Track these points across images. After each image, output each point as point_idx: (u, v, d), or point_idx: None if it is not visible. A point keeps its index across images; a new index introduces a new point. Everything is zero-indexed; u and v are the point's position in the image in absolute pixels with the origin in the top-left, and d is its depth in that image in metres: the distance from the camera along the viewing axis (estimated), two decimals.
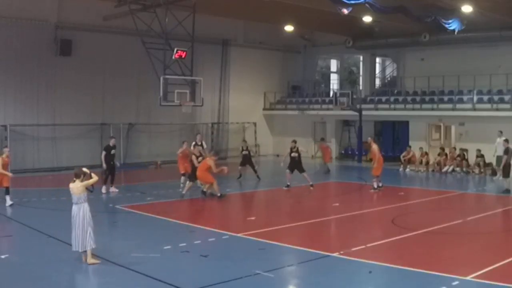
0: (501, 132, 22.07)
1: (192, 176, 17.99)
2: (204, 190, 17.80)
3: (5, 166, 15.88)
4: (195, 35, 23.47)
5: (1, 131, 23.59)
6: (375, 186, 19.04)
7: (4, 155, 15.99)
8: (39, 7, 24.20)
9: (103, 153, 18.38)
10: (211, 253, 10.83)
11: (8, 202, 15.85)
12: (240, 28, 32.12)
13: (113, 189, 18.31)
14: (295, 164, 19.91)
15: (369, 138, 20.47)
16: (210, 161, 17.48)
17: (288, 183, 19.85)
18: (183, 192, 17.77)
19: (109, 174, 18.29)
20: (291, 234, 13.11)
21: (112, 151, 18.49)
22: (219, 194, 17.52)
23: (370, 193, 18.84)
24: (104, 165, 18.14)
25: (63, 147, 25.16)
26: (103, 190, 18.01)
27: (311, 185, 19.67)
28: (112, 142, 18.75)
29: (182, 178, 18.93)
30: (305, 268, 10.17)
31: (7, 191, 15.90)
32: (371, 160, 19.67)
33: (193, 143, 19.57)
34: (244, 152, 22.51)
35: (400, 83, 31.87)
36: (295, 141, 20.34)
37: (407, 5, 23.21)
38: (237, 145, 26.63)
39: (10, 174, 16.19)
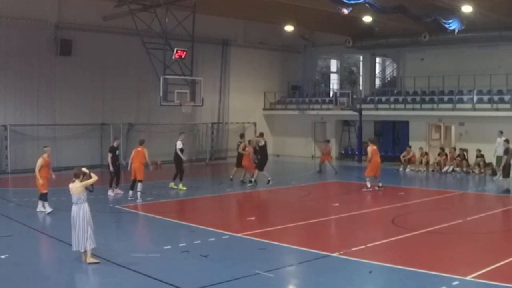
0: (501, 132, 22.06)
1: (238, 163, 20.86)
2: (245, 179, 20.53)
3: (46, 167, 14.99)
4: (195, 35, 23.48)
5: (1, 131, 23.60)
6: (368, 185, 19.04)
7: (45, 155, 15.05)
8: (39, 7, 24.19)
9: (109, 154, 18.07)
10: (211, 253, 10.82)
11: (48, 209, 14.79)
12: (240, 28, 32.12)
13: (117, 191, 18.09)
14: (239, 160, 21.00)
15: (368, 141, 20.58)
16: (250, 148, 20.60)
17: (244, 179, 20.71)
18: (232, 177, 20.77)
19: (115, 175, 18.03)
20: (291, 234, 13.10)
21: (117, 152, 18.39)
22: (253, 180, 20.20)
23: (369, 193, 18.76)
24: (111, 168, 17.84)
25: (63, 147, 25.10)
26: (110, 193, 17.77)
27: (250, 180, 20.37)
28: (116, 143, 18.56)
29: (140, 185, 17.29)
30: (305, 268, 10.17)
31: (44, 197, 14.87)
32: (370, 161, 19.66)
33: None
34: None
35: (400, 83, 31.87)
36: (241, 135, 21.76)
37: (407, 5, 23.21)
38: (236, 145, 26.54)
39: (53, 176, 15.06)
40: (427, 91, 28.13)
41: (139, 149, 17.28)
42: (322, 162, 25.22)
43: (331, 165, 25.22)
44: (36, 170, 14.84)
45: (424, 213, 15.80)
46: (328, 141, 27.01)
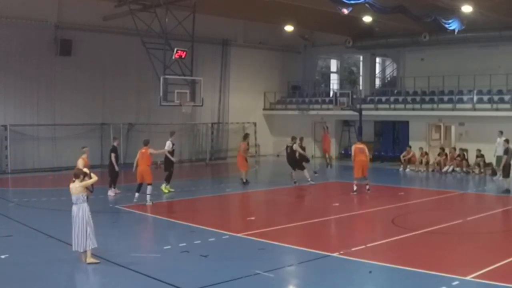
0: (501, 132, 22.07)
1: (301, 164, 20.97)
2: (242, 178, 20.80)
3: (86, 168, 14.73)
4: (195, 35, 23.47)
5: (1, 131, 23.59)
6: (354, 188, 18.58)
7: (84, 156, 14.80)
8: (39, 7, 24.19)
9: (113, 155, 17.94)
10: (211, 253, 10.83)
11: None
12: (240, 28, 32.12)
13: (115, 190, 18.10)
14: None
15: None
16: (243, 145, 21.16)
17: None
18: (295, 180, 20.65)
19: (114, 176, 18.02)
20: (291, 234, 13.10)
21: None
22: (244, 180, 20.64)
23: (369, 193, 18.57)
24: (117, 167, 17.75)
25: (63, 147, 25.09)
26: (110, 193, 17.72)
27: (246, 180, 20.92)
28: (116, 143, 18.60)
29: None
30: (305, 268, 10.17)
31: None
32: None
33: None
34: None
35: (400, 83, 31.87)
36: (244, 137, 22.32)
37: (407, 5, 23.21)
38: (237, 145, 26.51)
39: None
40: (427, 91, 28.12)
41: (143, 150, 16.60)
42: (325, 152, 25.10)
43: (329, 158, 25.07)
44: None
45: (424, 213, 15.80)
46: (326, 127, 26.71)
